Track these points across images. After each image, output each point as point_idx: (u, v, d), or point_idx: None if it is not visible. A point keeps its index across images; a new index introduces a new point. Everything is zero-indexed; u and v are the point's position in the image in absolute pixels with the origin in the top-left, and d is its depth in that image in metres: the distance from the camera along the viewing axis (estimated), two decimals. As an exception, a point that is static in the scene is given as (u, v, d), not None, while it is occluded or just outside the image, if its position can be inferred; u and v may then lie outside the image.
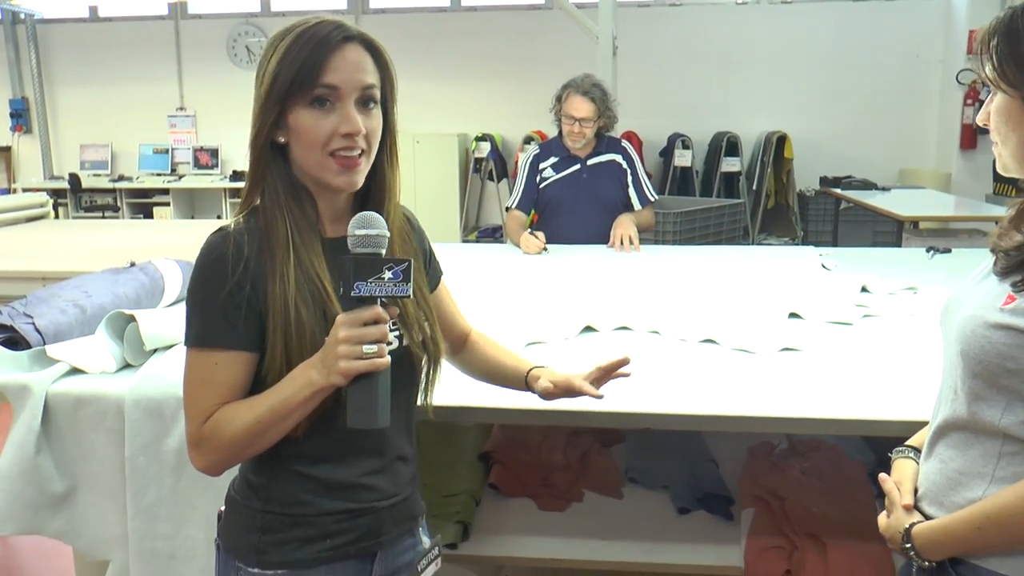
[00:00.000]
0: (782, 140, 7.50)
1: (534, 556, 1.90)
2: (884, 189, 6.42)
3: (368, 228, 1.10)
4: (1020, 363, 1.06)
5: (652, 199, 3.45)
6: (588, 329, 2.12)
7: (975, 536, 1.11)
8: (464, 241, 7.75)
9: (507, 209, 3.47)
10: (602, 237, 3.30)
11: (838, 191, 6.51)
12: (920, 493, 1.23)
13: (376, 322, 1.08)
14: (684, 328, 2.10)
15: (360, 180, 1.20)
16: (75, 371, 1.70)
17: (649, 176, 7.80)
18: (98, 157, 8.78)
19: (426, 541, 1.36)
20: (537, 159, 3.42)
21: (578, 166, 3.37)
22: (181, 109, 8.76)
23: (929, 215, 5.40)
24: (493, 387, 1.53)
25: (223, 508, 1.28)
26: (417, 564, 1.32)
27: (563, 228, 3.31)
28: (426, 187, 7.73)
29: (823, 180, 7.18)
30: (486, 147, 7.96)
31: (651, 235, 4.82)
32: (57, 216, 6.47)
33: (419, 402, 1.34)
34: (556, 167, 3.38)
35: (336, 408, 1.15)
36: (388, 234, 1.12)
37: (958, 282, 1.26)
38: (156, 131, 8.71)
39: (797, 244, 7.01)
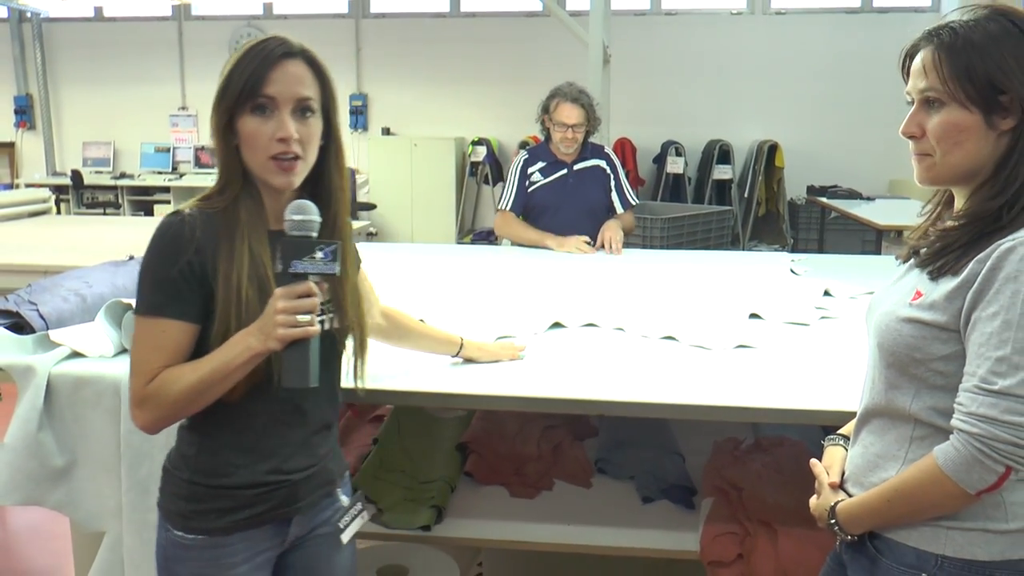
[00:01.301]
0: (773, 149, 7.56)
1: (505, 539, 1.99)
2: (868, 199, 6.52)
3: (302, 214, 1.25)
4: (925, 353, 1.17)
5: (633, 203, 3.56)
6: (556, 325, 2.20)
7: (886, 509, 1.21)
8: (459, 243, 7.84)
9: (499, 211, 3.58)
10: (586, 239, 3.39)
11: (824, 200, 6.62)
12: (846, 476, 1.34)
13: (309, 295, 1.23)
14: (647, 325, 2.18)
15: (296, 181, 1.34)
16: (76, 354, 1.78)
17: (642, 182, 7.95)
18: (100, 154, 8.87)
19: (344, 500, 1.47)
20: (526, 164, 3.52)
21: (565, 171, 3.47)
22: (183, 109, 8.84)
23: (907, 225, 5.49)
24: (470, 376, 1.67)
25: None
26: (338, 522, 1.43)
27: (549, 230, 3.40)
28: (423, 190, 7.83)
29: (810, 189, 7.27)
30: (482, 151, 8.02)
31: (639, 240, 4.89)
32: (59, 212, 6.56)
33: (354, 383, 1.47)
34: (544, 172, 3.48)
35: (268, 380, 1.28)
36: (320, 220, 1.27)
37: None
38: (158, 130, 8.79)
39: (787, 251, 7.08)
